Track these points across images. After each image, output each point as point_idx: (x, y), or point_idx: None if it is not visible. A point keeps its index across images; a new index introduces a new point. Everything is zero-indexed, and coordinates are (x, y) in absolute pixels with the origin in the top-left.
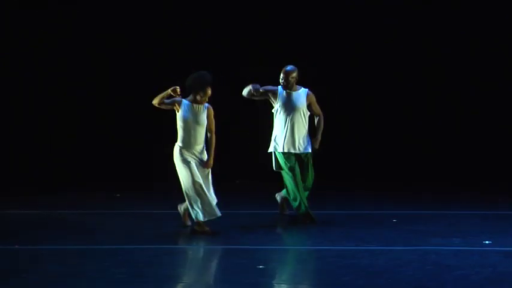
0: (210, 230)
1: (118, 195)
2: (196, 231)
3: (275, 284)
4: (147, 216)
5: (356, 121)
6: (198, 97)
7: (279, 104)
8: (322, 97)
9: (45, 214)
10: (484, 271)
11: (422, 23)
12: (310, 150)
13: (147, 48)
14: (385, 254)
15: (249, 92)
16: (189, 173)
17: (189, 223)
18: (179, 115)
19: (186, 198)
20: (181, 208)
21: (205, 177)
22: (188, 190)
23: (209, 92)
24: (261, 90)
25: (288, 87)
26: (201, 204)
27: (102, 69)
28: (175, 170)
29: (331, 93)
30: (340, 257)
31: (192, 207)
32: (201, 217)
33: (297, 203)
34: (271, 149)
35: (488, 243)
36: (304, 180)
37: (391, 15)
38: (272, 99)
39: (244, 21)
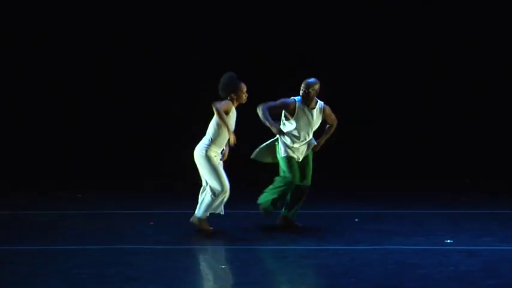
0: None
1: (79, 195)
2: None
3: (235, 284)
4: (110, 216)
5: (356, 121)
6: (237, 98)
7: (295, 121)
8: (321, 97)
9: (9, 215)
10: (445, 270)
11: (422, 23)
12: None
13: (147, 48)
14: (347, 253)
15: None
16: (221, 172)
17: (211, 228)
18: (229, 120)
19: (213, 193)
20: (195, 219)
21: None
22: (221, 187)
23: (245, 88)
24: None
25: (308, 99)
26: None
27: (102, 69)
28: (204, 168)
29: (331, 93)
30: (303, 256)
31: (217, 202)
32: (222, 211)
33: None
34: (284, 154)
35: (450, 242)
36: (305, 176)
37: (391, 15)
38: (287, 113)
39: (244, 21)
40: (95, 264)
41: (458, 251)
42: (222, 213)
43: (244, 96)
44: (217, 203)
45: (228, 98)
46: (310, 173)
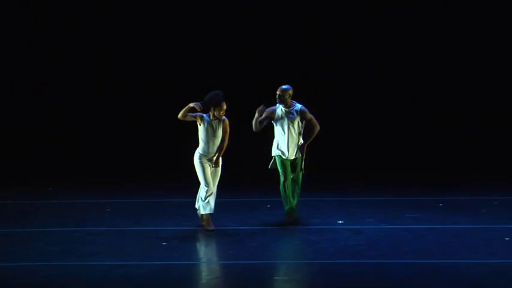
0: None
1: (50, 188)
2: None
3: (174, 256)
4: (72, 205)
5: (356, 121)
6: (215, 113)
7: (277, 119)
8: (321, 97)
9: None
10: (337, 244)
11: (423, 23)
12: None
13: (148, 48)
14: (262, 232)
15: (256, 120)
16: (206, 174)
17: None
18: (201, 129)
19: (203, 193)
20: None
21: (215, 176)
22: (205, 187)
23: (224, 107)
24: (263, 112)
25: (282, 102)
26: (211, 199)
27: (103, 69)
28: (195, 170)
29: (331, 93)
30: (226, 235)
31: (205, 201)
32: (208, 210)
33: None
34: (274, 153)
35: (341, 223)
36: (296, 178)
37: (391, 15)
38: (272, 116)
39: (244, 21)
40: (63, 243)
41: (347, 229)
42: (212, 211)
43: (222, 113)
44: (206, 199)
45: (210, 111)
46: (299, 166)
